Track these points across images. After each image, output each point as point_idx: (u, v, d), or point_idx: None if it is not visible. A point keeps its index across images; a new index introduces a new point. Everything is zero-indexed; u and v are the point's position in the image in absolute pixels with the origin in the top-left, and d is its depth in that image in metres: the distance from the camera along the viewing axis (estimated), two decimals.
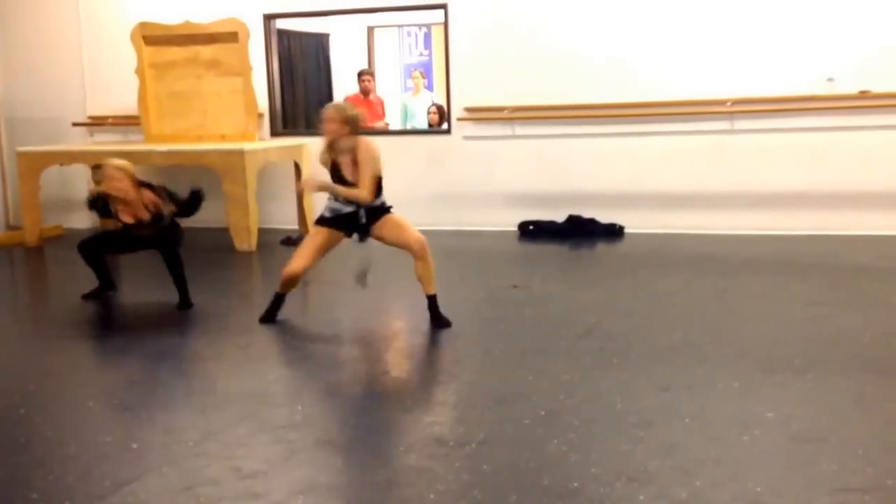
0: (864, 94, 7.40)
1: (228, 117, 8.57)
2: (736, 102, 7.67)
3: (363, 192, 5.09)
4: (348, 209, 5.14)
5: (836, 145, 7.56)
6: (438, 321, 5.08)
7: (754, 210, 7.77)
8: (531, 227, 8.15)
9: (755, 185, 7.76)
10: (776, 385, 4.04)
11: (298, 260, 5.19)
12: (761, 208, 7.77)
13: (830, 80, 7.43)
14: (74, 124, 9.35)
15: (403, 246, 5.15)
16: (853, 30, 7.37)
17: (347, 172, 5.14)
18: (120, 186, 5.56)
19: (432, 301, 5.11)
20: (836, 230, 7.55)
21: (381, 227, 5.17)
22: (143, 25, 8.59)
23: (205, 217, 8.97)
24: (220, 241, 7.90)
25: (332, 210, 5.22)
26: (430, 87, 11.01)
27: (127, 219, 5.66)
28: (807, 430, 3.50)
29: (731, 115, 7.74)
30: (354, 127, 5.15)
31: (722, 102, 7.69)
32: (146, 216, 5.62)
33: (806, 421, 3.60)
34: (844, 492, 2.98)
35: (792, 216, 7.68)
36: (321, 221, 5.28)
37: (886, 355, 4.43)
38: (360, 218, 5.15)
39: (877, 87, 7.35)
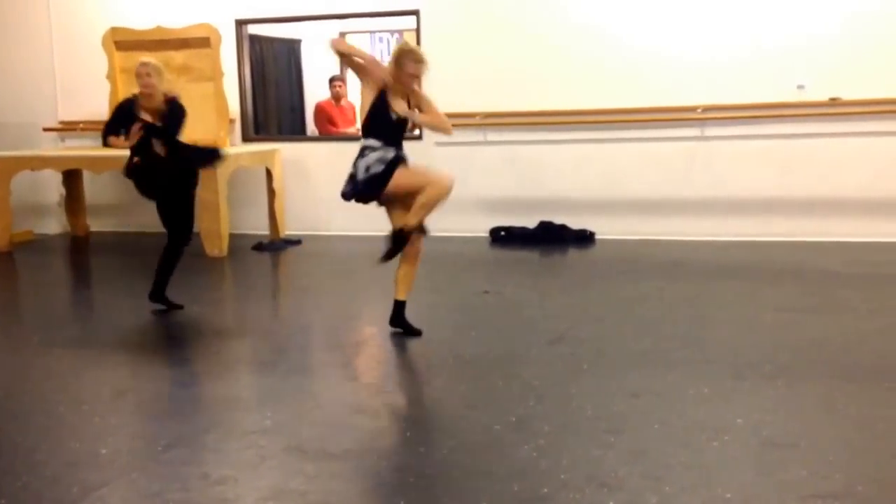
0: (834, 102, 7.49)
1: (200, 122, 8.47)
2: (707, 109, 7.73)
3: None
4: (391, 153, 4.84)
5: (806, 152, 7.65)
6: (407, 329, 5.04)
7: (725, 216, 7.84)
8: (503, 233, 8.16)
9: (726, 191, 7.83)
10: (746, 391, 4.07)
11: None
12: (732, 215, 7.83)
13: (801, 87, 7.51)
14: (45, 129, 9.27)
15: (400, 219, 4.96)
16: (823, 38, 7.46)
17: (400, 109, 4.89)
18: (149, 82, 5.43)
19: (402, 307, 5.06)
20: (807, 237, 7.63)
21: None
22: (114, 31, 8.52)
23: None
24: (190, 246, 7.80)
25: (381, 160, 4.82)
26: None
27: (147, 117, 5.48)
28: (777, 436, 3.51)
29: (702, 122, 7.80)
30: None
31: (693, 109, 7.75)
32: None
33: (776, 427, 3.62)
34: (814, 498, 2.99)
35: (762, 223, 7.76)
36: (386, 174, 4.80)
37: (856, 361, 4.46)
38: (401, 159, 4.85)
39: (847, 95, 7.45)
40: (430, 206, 4.84)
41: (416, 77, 4.88)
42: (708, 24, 7.70)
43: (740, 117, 7.68)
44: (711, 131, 7.81)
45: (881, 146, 7.51)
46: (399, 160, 4.84)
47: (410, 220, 4.80)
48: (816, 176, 7.64)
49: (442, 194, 4.84)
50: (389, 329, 5.09)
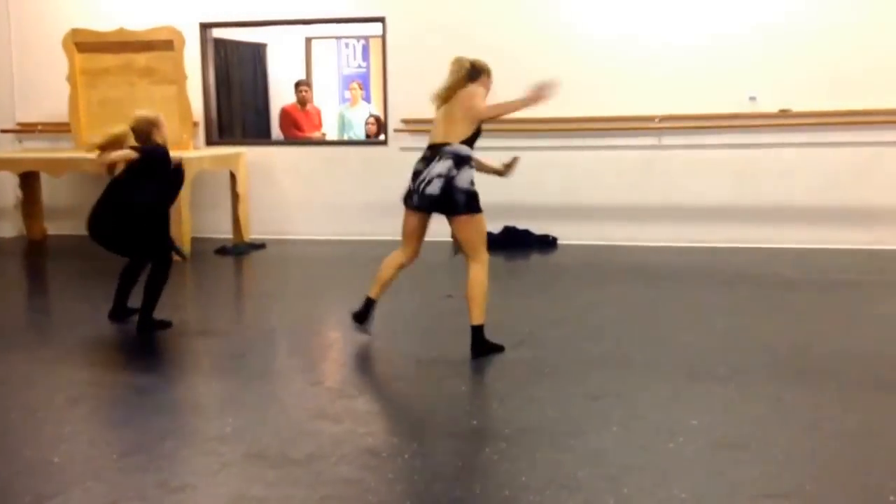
0: (783, 113, 7.70)
1: None
2: (664, 119, 7.89)
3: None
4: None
5: (757, 161, 7.85)
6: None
7: (681, 223, 8.00)
8: None
9: (682, 198, 7.99)
10: (701, 393, 4.16)
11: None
12: (687, 221, 8.00)
13: (753, 98, 7.71)
14: (2, 131, 9.13)
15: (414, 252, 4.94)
16: (774, 51, 7.67)
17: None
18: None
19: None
20: (758, 243, 7.82)
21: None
22: (75, 32, 8.44)
23: None
24: None
25: (473, 181, 4.73)
26: (367, 99, 11.04)
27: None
28: (729, 437, 3.60)
29: (659, 132, 7.96)
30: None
31: (650, 119, 7.91)
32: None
33: (729, 428, 3.71)
34: (765, 497, 3.07)
35: (716, 229, 7.94)
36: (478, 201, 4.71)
37: (804, 364, 4.59)
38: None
39: (796, 106, 7.67)
40: (478, 300, 4.66)
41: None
42: (665, 38, 7.86)
43: (695, 127, 7.86)
44: (668, 140, 7.98)
45: (829, 156, 7.73)
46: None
47: (476, 318, 4.67)
48: (767, 184, 7.84)
49: (485, 286, 4.68)
50: (353, 333, 5.09)
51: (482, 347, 4.69)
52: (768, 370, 4.49)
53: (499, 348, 4.74)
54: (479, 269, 4.67)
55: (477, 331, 4.69)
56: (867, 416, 3.85)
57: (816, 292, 6.23)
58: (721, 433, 3.65)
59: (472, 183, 4.65)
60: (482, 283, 4.65)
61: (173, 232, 7.53)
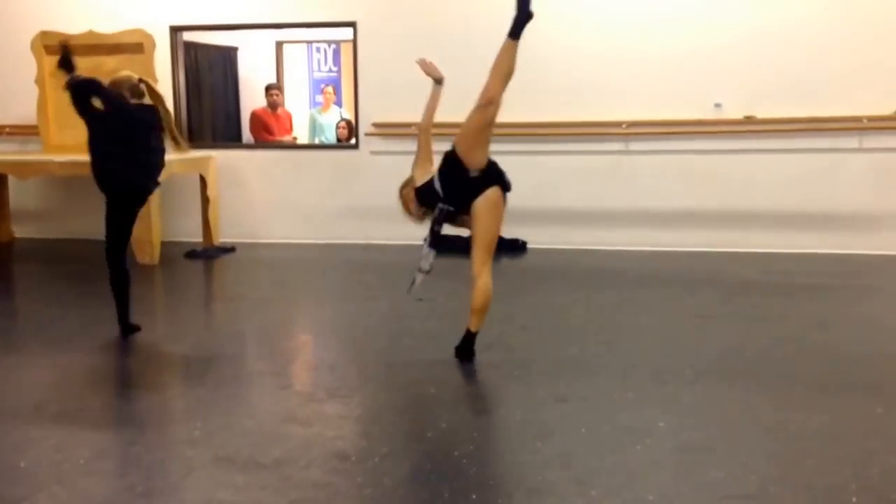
0: (748, 120, 7.83)
1: None
2: (631, 125, 7.98)
3: None
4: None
5: (722, 167, 7.98)
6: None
7: (648, 227, 8.10)
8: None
9: (648, 203, 8.10)
10: (667, 395, 4.21)
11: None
12: (654, 225, 8.09)
13: (718, 105, 7.84)
14: None
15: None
16: (739, 59, 7.79)
17: None
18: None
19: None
20: (724, 247, 7.94)
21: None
22: (44, 34, 8.36)
23: None
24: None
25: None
26: (339, 103, 11.03)
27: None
28: (695, 439, 3.65)
29: (626, 137, 8.05)
30: None
31: (618, 125, 7.99)
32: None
33: (695, 430, 3.76)
34: (730, 499, 3.12)
35: (682, 233, 8.05)
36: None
37: (769, 367, 4.66)
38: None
39: (760, 113, 7.80)
40: (484, 310, 4.71)
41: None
42: (632, 46, 7.95)
43: (662, 133, 7.97)
44: (635, 146, 8.07)
45: (791, 162, 7.87)
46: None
47: (473, 325, 4.74)
48: (732, 189, 7.97)
49: (489, 296, 4.69)
50: (322, 337, 5.09)
51: (468, 352, 4.74)
52: (734, 373, 4.55)
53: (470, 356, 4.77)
54: (489, 276, 4.70)
55: (470, 336, 4.74)
56: (831, 417, 3.92)
57: (780, 296, 6.33)
58: (687, 435, 3.69)
59: None
60: (490, 291, 4.69)
61: (143, 235, 7.53)
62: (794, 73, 7.70)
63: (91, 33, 8.29)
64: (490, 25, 8.23)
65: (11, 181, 8.77)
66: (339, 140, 9.64)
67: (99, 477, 3.32)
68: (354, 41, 8.43)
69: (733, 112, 7.84)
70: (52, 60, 8.44)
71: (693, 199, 8.03)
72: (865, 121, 7.62)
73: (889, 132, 7.67)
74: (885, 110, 7.62)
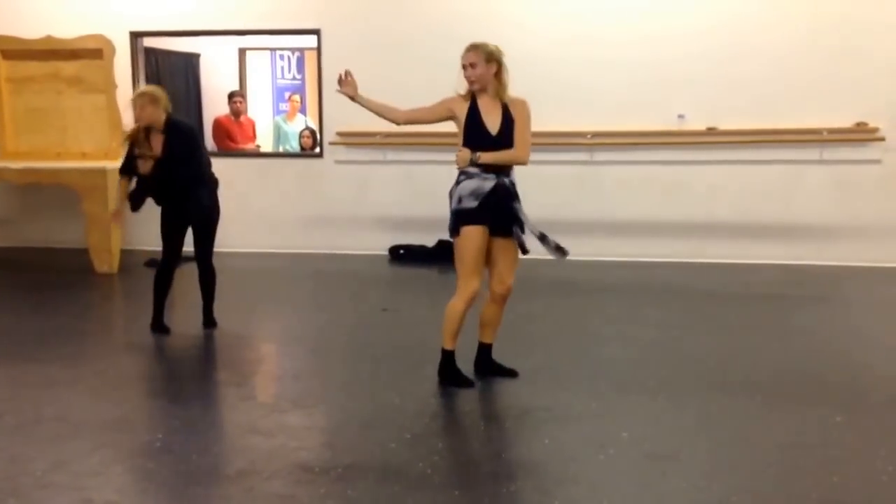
0: (710, 131, 7.94)
1: (90, 135, 8.30)
2: (595, 135, 8.04)
3: (521, 151, 4.33)
4: (490, 183, 4.33)
5: (685, 177, 8.08)
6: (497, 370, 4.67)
7: (611, 237, 8.16)
8: (402, 251, 8.22)
9: (612, 213, 8.16)
10: (630, 405, 4.23)
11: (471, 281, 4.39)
12: (618, 236, 8.16)
13: (681, 117, 7.94)
14: None
15: (497, 278, 4.60)
16: (702, 71, 7.90)
17: (493, 126, 4.36)
18: (142, 115, 5.40)
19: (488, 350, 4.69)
20: (686, 258, 8.03)
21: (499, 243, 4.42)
22: (0, 39, 8.22)
23: (63, 238, 8.67)
24: (79, 263, 7.60)
25: (475, 194, 4.31)
26: (303, 111, 10.97)
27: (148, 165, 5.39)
28: (658, 449, 3.68)
29: (590, 147, 8.10)
30: (500, 63, 4.42)
31: (582, 135, 8.05)
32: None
33: (658, 440, 3.78)
34: None
35: (646, 244, 8.13)
36: (470, 217, 4.31)
37: (731, 376, 4.70)
38: (508, 187, 4.35)
39: (722, 125, 7.91)
40: (450, 330, 4.46)
41: (465, 66, 4.56)
42: (597, 57, 8.01)
43: (626, 143, 8.04)
44: (599, 156, 8.14)
45: (752, 173, 8.00)
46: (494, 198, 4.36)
47: (443, 342, 4.49)
48: (694, 200, 8.07)
49: (457, 313, 4.44)
50: (286, 347, 5.03)
51: (444, 373, 4.50)
52: (696, 382, 4.59)
53: (466, 383, 4.46)
54: (455, 296, 4.49)
55: (441, 354, 4.53)
56: (792, 426, 3.96)
57: (741, 306, 6.41)
58: (650, 445, 3.71)
59: (459, 200, 4.41)
60: (451, 309, 4.47)
61: (101, 243, 7.41)
62: (756, 86, 7.82)
63: (49, 38, 8.17)
64: (452, 33, 8.29)
65: None
66: (302, 149, 9.59)
67: (55, 489, 3.26)
68: (318, 49, 8.40)
69: (696, 123, 7.94)
70: (8, 65, 8.33)
71: (656, 210, 8.12)
72: (826, 133, 7.76)
73: (849, 144, 7.82)
74: (845, 123, 7.76)
